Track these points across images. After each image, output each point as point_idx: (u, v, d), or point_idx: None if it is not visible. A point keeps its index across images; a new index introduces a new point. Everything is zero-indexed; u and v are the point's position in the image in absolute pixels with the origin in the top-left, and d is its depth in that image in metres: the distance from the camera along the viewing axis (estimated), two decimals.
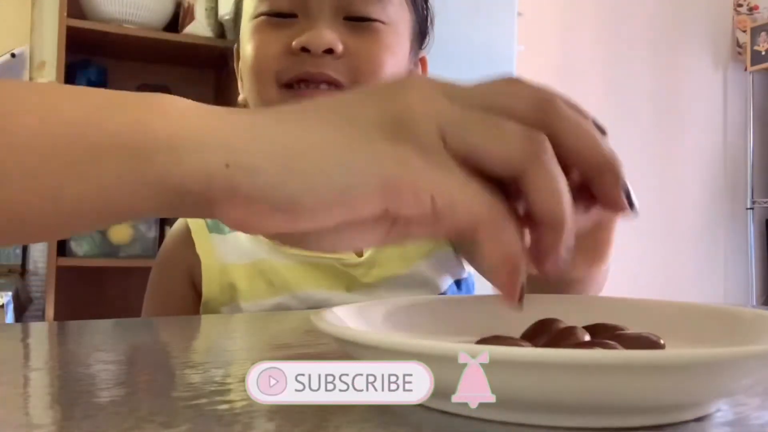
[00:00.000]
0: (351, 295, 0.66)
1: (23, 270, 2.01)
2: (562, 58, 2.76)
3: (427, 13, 0.75)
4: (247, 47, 0.68)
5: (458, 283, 0.73)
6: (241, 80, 0.74)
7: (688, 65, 3.07)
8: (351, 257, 0.67)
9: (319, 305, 0.65)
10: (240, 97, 0.74)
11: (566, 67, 2.77)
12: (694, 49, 3.09)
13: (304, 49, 0.64)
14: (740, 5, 3.16)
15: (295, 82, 0.65)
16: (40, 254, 2.00)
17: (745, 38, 3.10)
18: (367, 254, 0.68)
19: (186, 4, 2.08)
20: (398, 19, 0.69)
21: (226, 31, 2.07)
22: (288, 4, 0.66)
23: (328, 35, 0.64)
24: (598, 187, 0.29)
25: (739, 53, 3.15)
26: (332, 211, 0.27)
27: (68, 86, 0.31)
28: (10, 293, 1.53)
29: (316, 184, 0.27)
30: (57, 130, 0.27)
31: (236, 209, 0.27)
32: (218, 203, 0.27)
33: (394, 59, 0.68)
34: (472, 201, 0.27)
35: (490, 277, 0.28)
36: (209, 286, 0.66)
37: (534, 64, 2.57)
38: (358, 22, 0.66)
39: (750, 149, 3.08)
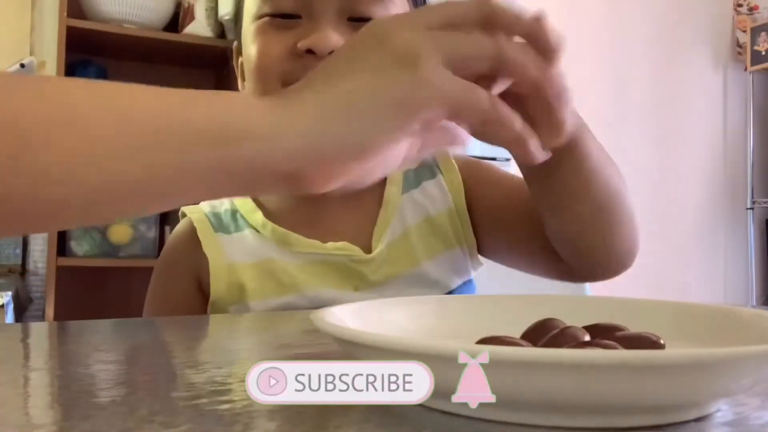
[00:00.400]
0: (359, 294, 0.66)
1: (23, 270, 2.01)
2: (562, 58, 2.76)
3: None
4: (251, 48, 0.68)
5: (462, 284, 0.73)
6: (242, 78, 0.74)
7: (688, 65, 3.07)
8: (360, 254, 0.67)
9: (327, 304, 0.64)
10: None
11: (566, 67, 2.77)
12: (694, 48, 3.09)
13: (310, 51, 0.63)
14: (740, 5, 3.16)
15: None
16: (40, 254, 2.00)
17: (745, 38, 3.10)
18: (376, 251, 0.67)
19: (186, 4, 2.08)
20: None
21: (226, 31, 2.07)
22: (292, 5, 0.66)
23: (334, 37, 0.63)
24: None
25: (739, 53, 3.15)
26: (378, 139, 0.35)
27: (139, 86, 0.35)
28: (10, 293, 1.53)
29: (374, 129, 0.34)
30: (139, 128, 0.32)
31: (322, 175, 0.35)
32: (307, 176, 0.35)
33: None
34: (472, 91, 0.35)
35: (512, 149, 0.39)
36: (217, 285, 0.66)
37: None
38: (361, 22, 0.66)
39: (750, 149, 3.08)
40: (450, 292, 0.70)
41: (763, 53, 3.00)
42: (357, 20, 0.66)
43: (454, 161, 0.75)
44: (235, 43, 0.77)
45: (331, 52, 0.63)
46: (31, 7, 2.06)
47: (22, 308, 1.86)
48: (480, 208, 0.71)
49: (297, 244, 0.67)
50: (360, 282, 0.67)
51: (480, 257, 0.73)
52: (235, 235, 0.69)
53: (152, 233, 1.98)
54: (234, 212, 0.70)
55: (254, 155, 0.33)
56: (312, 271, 0.67)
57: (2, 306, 1.49)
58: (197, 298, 0.68)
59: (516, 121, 0.37)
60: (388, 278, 0.67)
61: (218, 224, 0.70)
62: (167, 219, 2.00)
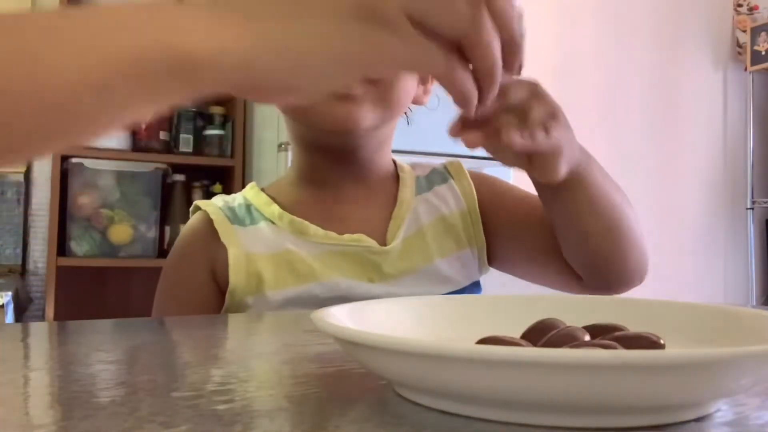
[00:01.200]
0: (375, 286, 0.67)
1: (23, 270, 2.01)
2: (562, 58, 2.76)
3: None
4: None
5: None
6: None
7: (688, 65, 3.07)
8: (376, 246, 0.68)
9: (344, 293, 0.65)
10: None
11: (566, 67, 2.77)
12: (694, 48, 3.09)
13: None
14: (740, 5, 3.16)
15: None
16: (40, 254, 2.00)
17: (745, 38, 3.10)
18: (392, 244, 0.68)
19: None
20: None
21: None
22: None
23: None
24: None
25: (739, 53, 3.15)
26: (318, 88, 0.37)
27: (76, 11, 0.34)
28: (10, 293, 1.53)
29: (316, 80, 0.36)
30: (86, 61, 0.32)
31: (254, 94, 0.37)
32: (248, 90, 0.36)
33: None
34: (429, 56, 0.36)
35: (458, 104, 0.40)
36: (236, 275, 0.66)
37: (534, 64, 2.57)
38: None
39: (750, 149, 3.08)
40: (459, 291, 0.70)
41: (763, 53, 3.00)
42: None
43: (465, 170, 0.77)
44: None
45: None
46: (31, 7, 2.06)
47: (22, 308, 1.86)
48: (495, 218, 0.73)
49: (314, 235, 0.68)
50: (375, 274, 0.67)
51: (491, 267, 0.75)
52: (251, 227, 0.69)
53: (152, 233, 1.98)
54: (248, 206, 0.71)
55: (197, 78, 0.34)
56: (329, 262, 0.67)
57: (2, 306, 1.49)
58: (212, 289, 0.68)
59: (467, 84, 0.39)
60: (403, 273, 0.68)
61: (233, 217, 0.70)
62: (167, 219, 2.00)
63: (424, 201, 0.73)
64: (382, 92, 0.65)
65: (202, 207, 0.71)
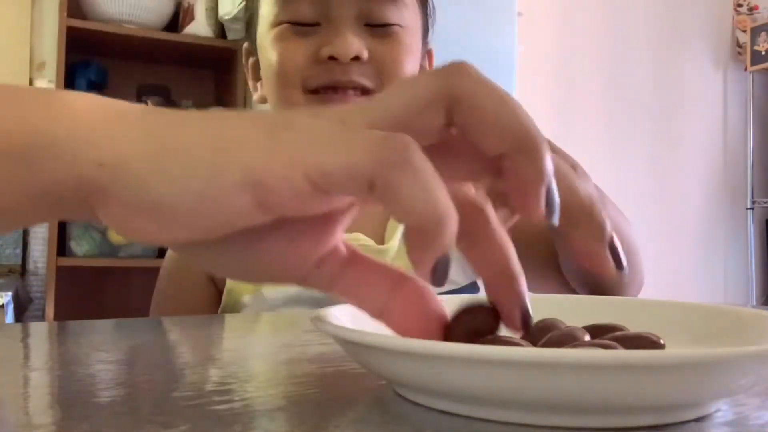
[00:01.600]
0: None
1: (23, 270, 2.01)
2: (562, 58, 2.76)
3: (433, 8, 0.79)
4: (270, 54, 0.70)
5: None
6: (252, 78, 0.77)
7: (688, 65, 3.07)
8: (374, 245, 0.69)
9: None
10: (256, 96, 0.77)
11: (566, 67, 2.77)
12: (694, 48, 3.09)
13: (332, 57, 0.67)
14: (740, 5, 3.16)
15: (322, 89, 0.68)
16: (40, 254, 2.00)
17: (745, 38, 3.10)
18: (389, 243, 0.69)
19: (186, 4, 2.08)
20: (412, 20, 0.73)
21: (226, 31, 2.07)
22: (311, 13, 0.69)
23: (355, 43, 0.67)
24: (510, 166, 0.25)
25: (739, 53, 3.15)
26: (199, 215, 0.24)
27: None
28: (10, 293, 1.53)
29: (177, 185, 0.24)
30: None
31: (111, 211, 0.25)
32: (96, 206, 0.25)
33: (413, 58, 0.72)
34: (354, 157, 0.23)
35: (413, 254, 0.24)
36: None
37: (534, 64, 2.57)
38: (378, 28, 0.70)
39: (750, 149, 3.08)
40: (457, 291, 0.71)
41: (763, 53, 3.00)
42: (374, 26, 0.69)
43: None
44: (246, 44, 0.79)
45: (353, 58, 0.66)
46: (31, 7, 2.06)
47: (22, 308, 1.86)
48: None
49: None
50: None
51: None
52: None
53: None
54: None
55: (44, 173, 0.25)
56: None
57: (2, 306, 1.49)
58: (209, 289, 0.69)
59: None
60: None
61: None
62: None
63: None
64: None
65: None
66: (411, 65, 0.71)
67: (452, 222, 0.23)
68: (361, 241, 0.68)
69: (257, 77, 0.75)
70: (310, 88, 0.69)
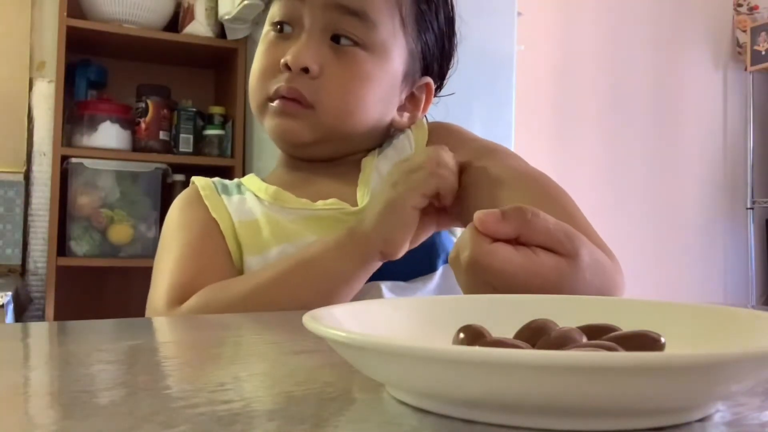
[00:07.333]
0: None
1: (23, 270, 2.01)
2: (562, 58, 2.76)
3: (444, 40, 0.79)
4: (255, 56, 0.75)
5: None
6: None
7: (688, 65, 3.07)
8: (349, 207, 0.72)
9: None
10: None
11: (566, 67, 2.77)
12: (694, 49, 3.09)
13: (288, 66, 0.69)
14: (740, 5, 3.16)
15: (277, 97, 0.71)
16: (40, 254, 2.00)
17: (745, 38, 3.10)
18: (363, 203, 0.72)
19: (186, 4, 2.08)
20: (388, 46, 0.73)
21: (226, 31, 2.07)
22: (286, 18, 0.72)
23: (305, 54, 0.69)
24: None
25: (739, 53, 3.15)
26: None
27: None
28: (10, 293, 1.53)
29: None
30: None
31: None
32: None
33: (371, 87, 0.72)
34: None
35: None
36: (230, 241, 0.71)
37: (534, 64, 2.57)
38: (342, 45, 0.71)
39: (750, 149, 3.08)
40: (435, 246, 0.73)
41: (763, 53, 3.00)
42: (338, 40, 0.71)
43: (425, 121, 0.81)
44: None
45: (303, 69, 0.69)
46: (31, 7, 2.06)
47: (22, 308, 1.86)
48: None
49: (289, 201, 0.73)
50: None
51: None
52: (234, 196, 0.75)
53: (152, 233, 1.98)
54: (239, 185, 0.78)
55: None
56: (305, 225, 0.71)
57: (2, 306, 1.49)
58: (216, 228, 0.72)
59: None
60: None
61: (222, 187, 0.76)
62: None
63: (384, 157, 0.77)
64: (318, 114, 0.70)
65: (195, 182, 0.77)
66: (365, 92, 0.71)
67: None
68: (336, 205, 0.71)
69: None
70: (268, 94, 0.72)
